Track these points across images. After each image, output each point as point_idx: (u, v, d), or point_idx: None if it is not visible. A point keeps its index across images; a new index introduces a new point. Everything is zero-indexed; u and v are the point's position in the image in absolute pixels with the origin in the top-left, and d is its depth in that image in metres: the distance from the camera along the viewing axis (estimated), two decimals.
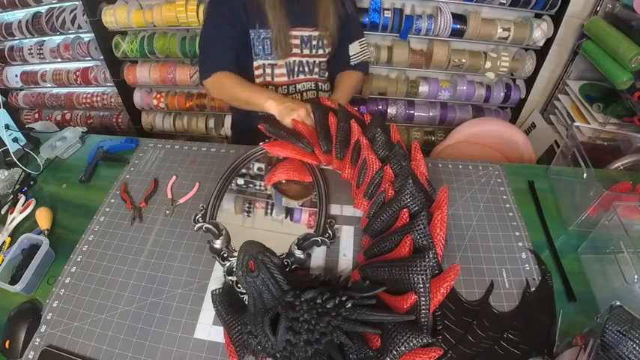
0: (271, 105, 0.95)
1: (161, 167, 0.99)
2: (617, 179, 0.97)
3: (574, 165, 0.86)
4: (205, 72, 1.04)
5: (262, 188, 0.91)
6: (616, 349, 0.53)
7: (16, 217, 0.88)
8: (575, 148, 0.86)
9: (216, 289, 0.68)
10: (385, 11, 1.60)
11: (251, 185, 0.92)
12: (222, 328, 0.65)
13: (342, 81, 1.15)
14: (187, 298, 0.72)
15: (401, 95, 1.86)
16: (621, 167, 1.06)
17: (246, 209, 0.88)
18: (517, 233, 0.81)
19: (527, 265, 0.75)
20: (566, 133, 1.39)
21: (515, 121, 1.92)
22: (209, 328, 0.68)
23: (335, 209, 0.87)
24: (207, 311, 0.70)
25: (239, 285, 0.70)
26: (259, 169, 0.95)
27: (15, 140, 1.03)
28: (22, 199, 0.92)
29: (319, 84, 1.19)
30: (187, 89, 2.03)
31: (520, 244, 0.79)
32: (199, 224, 0.80)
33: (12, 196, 0.92)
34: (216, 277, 0.75)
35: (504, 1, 1.55)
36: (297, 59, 1.11)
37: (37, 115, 2.29)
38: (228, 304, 0.66)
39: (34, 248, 0.78)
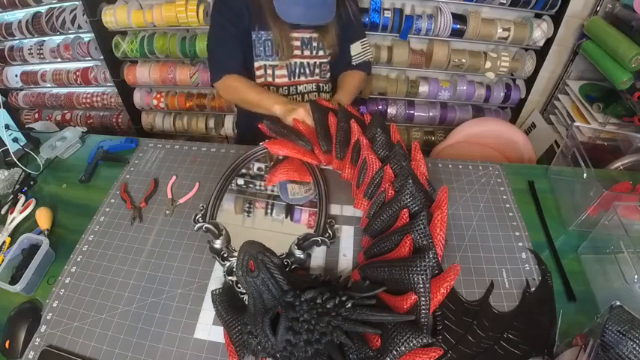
0: (277, 108, 0.97)
1: (161, 167, 0.99)
2: (617, 179, 0.97)
3: (574, 165, 0.86)
4: (215, 75, 1.07)
5: (262, 188, 0.91)
6: (616, 349, 0.53)
7: (16, 217, 0.88)
8: (575, 148, 0.86)
9: (216, 289, 0.68)
10: (385, 11, 1.60)
11: (251, 185, 0.92)
12: (222, 328, 0.65)
13: (345, 81, 1.15)
14: (187, 298, 0.72)
15: (401, 95, 1.86)
16: (621, 167, 1.06)
17: (246, 209, 0.88)
18: (517, 233, 0.81)
19: (527, 265, 0.75)
20: (566, 133, 1.39)
21: (515, 121, 1.92)
22: (209, 328, 0.68)
23: (335, 209, 0.87)
24: (207, 311, 0.70)
25: (239, 285, 0.70)
26: (259, 169, 0.95)
27: (15, 140, 1.03)
28: (22, 199, 0.92)
29: (320, 85, 1.19)
30: (187, 89, 2.03)
31: (520, 244, 0.79)
32: (199, 224, 0.80)
33: (12, 196, 0.92)
34: (216, 277, 0.75)
35: (504, 1, 1.55)
36: (298, 61, 1.11)
37: (37, 115, 2.29)
38: (228, 304, 0.66)
39: (34, 248, 0.78)
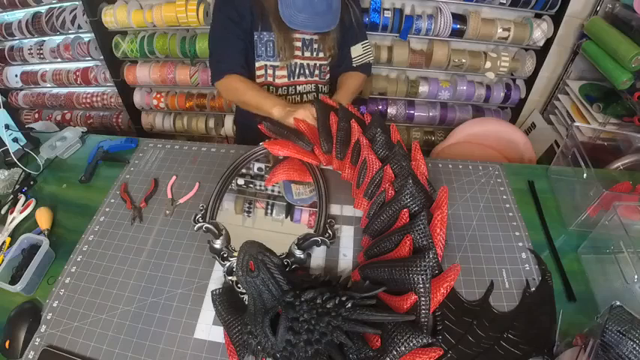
0: (276, 111, 0.97)
1: (161, 167, 0.99)
2: (617, 179, 0.97)
3: (574, 165, 0.86)
4: (216, 74, 1.07)
5: (262, 188, 0.91)
6: (616, 349, 0.53)
7: (16, 217, 0.88)
8: (575, 148, 0.86)
9: (216, 289, 0.68)
10: (385, 11, 1.60)
11: (251, 185, 0.92)
12: (222, 328, 0.65)
13: (345, 82, 1.15)
14: (187, 298, 0.72)
15: (401, 95, 1.86)
16: (621, 167, 1.06)
17: (246, 209, 0.88)
18: (517, 233, 0.81)
19: (527, 265, 0.75)
20: (566, 133, 1.40)
21: (515, 121, 1.92)
22: (209, 328, 0.68)
23: (335, 209, 0.87)
24: (207, 311, 0.70)
25: (239, 285, 0.70)
26: (259, 169, 0.95)
27: (15, 140, 1.03)
28: (22, 199, 0.92)
29: (319, 86, 1.19)
30: (187, 89, 2.03)
31: (520, 244, 0.79)
32: (199, 224, 0.80)
33: (12, 196, 0.92)
34: (216, 277, 0.75)
35: (504, 1, 1.55)
36: (299, 61, 1.11)
37: (37, 115, 2.29)
38: (228, 304, 0.66)
39: (34, 248, 0.78)
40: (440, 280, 0.59)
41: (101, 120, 2.20)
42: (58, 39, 1.97)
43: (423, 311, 0.56)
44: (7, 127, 1.00)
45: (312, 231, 0.78)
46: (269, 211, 0.87)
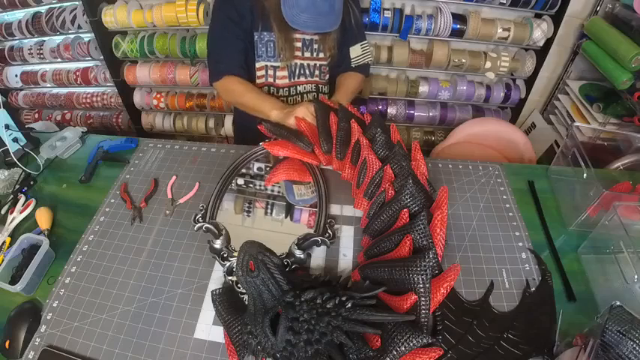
0: (275, 114, 0.98)
1: (161, 167, 0.99)
2: (617, 179, 0.97)
3: (574, 165, 0.86)
4: (215, 75, 1.07)
5: (262, 188, 0.91)
6: (616, 349, 0.53)
7: (16, 217, 0.88)
8: (575, 148, 0.86)
9: (216, 289, 0.68)
10: (385, 11, 1.60)
11: (251, 185, 0.92)
12: (222, 328, 0.65)
13: (344, 82, 1.15)
14: (187, 298, 0.72)
15: (401, 95, 1.86)
16: (621, 167, 1.06)
17: (246, 209, 0.88)
18: (517, 233, 0.81)
19: (527, 265, 0.75)
20: (566, 133, 1.40)
21: (515, 121, 1.92)
22: (209, 328, 0.68)
23: (335, 209, 0.87)
24: (207, 311, 0.70)
25: (239, 285, 0.70)
26: (259, 169, 0.95)
27: (15, 140, 1.03)
28: (22, 199, 0.92)
29: (320, 86, 1.19)
30: (187, 89, 2.03)
31: (520, 244, 0.79)
32: (199, 224, 0.80)
33: (12, 196, 0.92)
34: (216, 277, 0.75)
35: (504, 1, 1.55)
36: (299, 62, 1.11)
37: (37, 115, 2.29)
38: (228, 304, 0.66)
39: (34, 248, 0.78)
40: (440, 280, 0.59)
41: (101, 120, 2.20)
42: (58, 39, 1.97)
43: (423, 311, 0.56)
44: (7, 127, 1.00)
45: (312, 231, 0.78)
46: (269, 211, 0.87)
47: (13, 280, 0.74)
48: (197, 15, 1.64)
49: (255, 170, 0.95)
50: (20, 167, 0.98)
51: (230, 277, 0.72)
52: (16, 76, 2.15)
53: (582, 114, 1.60)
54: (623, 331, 0.53)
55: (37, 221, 0.85)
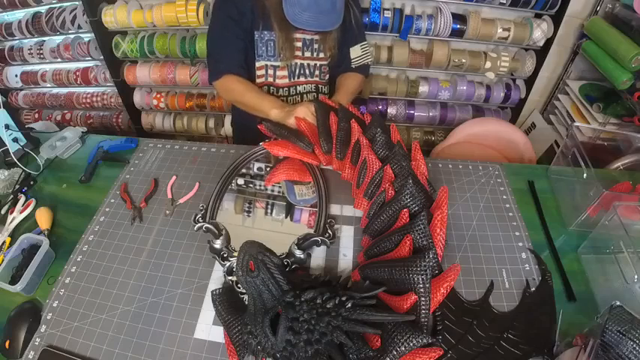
0: (275, 113, 0.98)
1: (161, 167, 0.99)
2: (617, 179, 0.97)
3: (574, 165, 0.86)
4: (214, 74, 1.07)
5: (262, 188, 0.91)
6: (616, 349, 0.53)
7: (16, 217, 0.88)
8: (575, 148, 0.86)
9: (216, 289, 0.68)
10: (385, 11, 1.60)
11: (251, 185, 0.92)
12: (222, 328, 0.65)
13: (344, 83, 1.15)
14: (187, 298, 0.72)
15: (401, 95, 1.86)
16: (621, 167, 1.06)
17: (246, 209, 0.88)
18: (517, 233, 0.81)
19: (527, 265, 0.75)
20: (566, 133, 1.40)
21: (515, 121, 1.92)
22: (209, 328, 0.68)
23: (335, 209, 0.87)
24: (207, 311, 0.70)
25: (239, 285, 0.70)
26: (259, 169, 0.95)
27: (15, 140, 1.03)
28: (22, 199, 0.92)
29: (319, 87, 1.19)
30: (187, 89, 2.03)
31: (520, 244, 0.79)
32: (199, 224, 0.80)
33: (12, 196, 0.92)
34: (216, 277, 0.75)
35: (504, 1, 1.55)
36: (299, 62, 1.11)
37: (37, 115, 2.29)
38: (228, 304, 0.66)
39: (34, 248, 0.78)
40: (440, 280, 0.59)
41: (101, 120, 2.20)
42: (58, 39, 1.97)
43: (423, 311, 0.56)
44: (7, 127, 1.00)
45: (312, 231, 0.78)
46: (269, 211, 0.87)
47: (13, 280, 0.74)
48: (197, 15, 1.64)
49: (255, 170, 0.95)
50: (20, 167, 0.98)
51: (230, 277, 0.72)
52: (16, 76, 2.15)
53: (582, 114, 1.60)
54: (623, 331, 0.53)
55: (37, 221, 0.85)
